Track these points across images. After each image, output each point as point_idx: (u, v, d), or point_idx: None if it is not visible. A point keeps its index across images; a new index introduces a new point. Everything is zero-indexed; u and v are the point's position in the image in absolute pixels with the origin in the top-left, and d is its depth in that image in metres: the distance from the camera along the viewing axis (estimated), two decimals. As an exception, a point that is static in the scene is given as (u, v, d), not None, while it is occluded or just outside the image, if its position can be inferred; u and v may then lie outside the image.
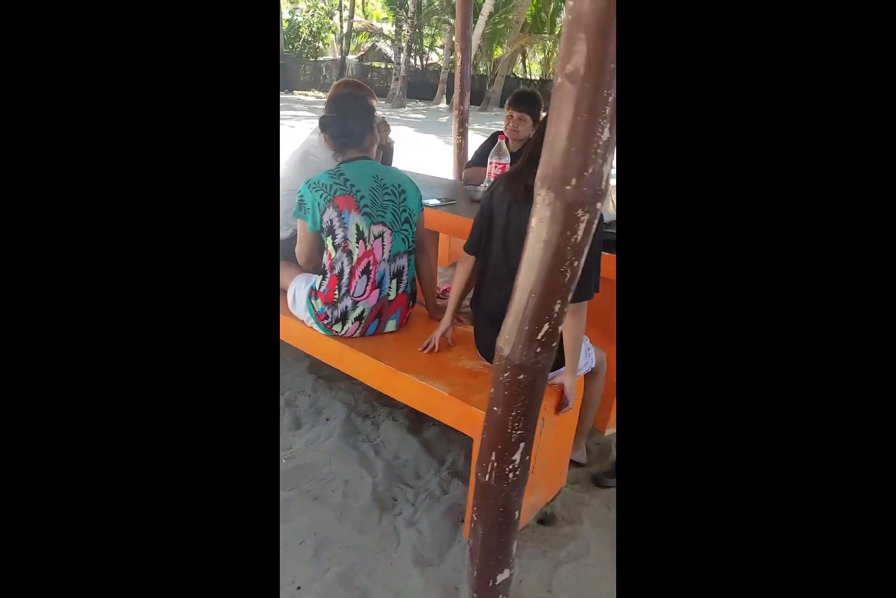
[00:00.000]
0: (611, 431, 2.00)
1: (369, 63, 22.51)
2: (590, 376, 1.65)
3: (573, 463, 1.81)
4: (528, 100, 2.45)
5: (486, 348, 1.54)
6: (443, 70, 18.44)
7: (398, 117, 13.74)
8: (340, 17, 21.89)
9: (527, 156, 1.43)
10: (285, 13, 22.00)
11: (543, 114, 2.53)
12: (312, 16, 22.60)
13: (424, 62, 22.83)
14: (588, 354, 1.57)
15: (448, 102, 17.12)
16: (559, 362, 1.45)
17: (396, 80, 16.66)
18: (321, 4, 22.88)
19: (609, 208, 2.14)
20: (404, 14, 15.83)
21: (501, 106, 19.14)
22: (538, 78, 21.71)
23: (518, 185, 1.42)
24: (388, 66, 20.82)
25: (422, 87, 20.30)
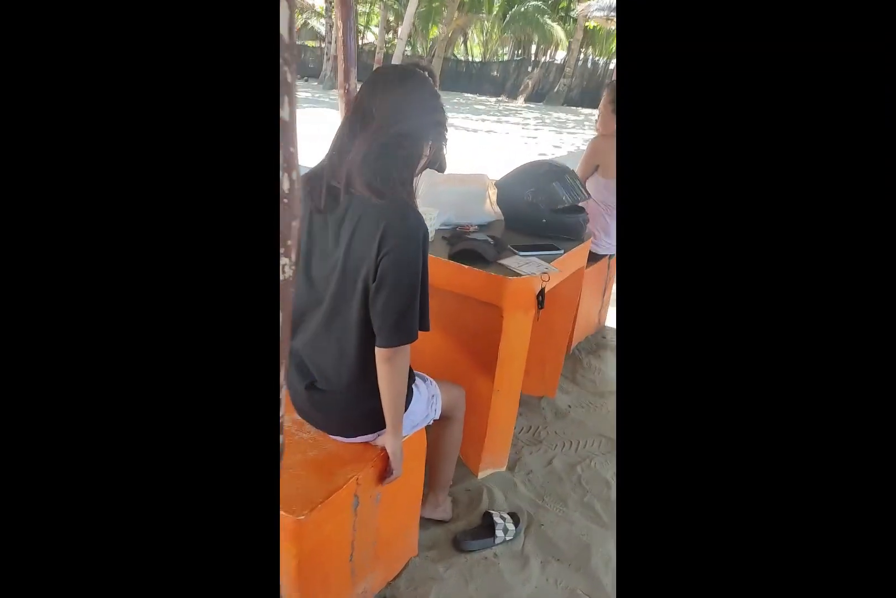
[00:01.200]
0: (485, 473, 1.70)
1: (301, 42, 21.41)
2: (439, 424, 1.33)
3: (433, 522, 1.49)
4: None
5: (294, 399, 1.18)
6: (378, 50, 17.73)
7: (328, 99, 13.04)
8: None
9: (333, 146, 1.06)
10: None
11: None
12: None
13: (360, 42, 21.91)
14: (431, 402, 1.24)
15: (384, 84, 16.42)
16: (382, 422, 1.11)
17: (328, 60, 15.86)
18: (249, -23, 21.49)
19: (486, 207, 1.81)
20: (334, -11, 15.00)
21: (442, 89, 18.63)
22: (480, 60, 21.23)
23: (318, 188, 1.05)
24: (322, 46, 19.86)
25: (358, 66, 19.48)
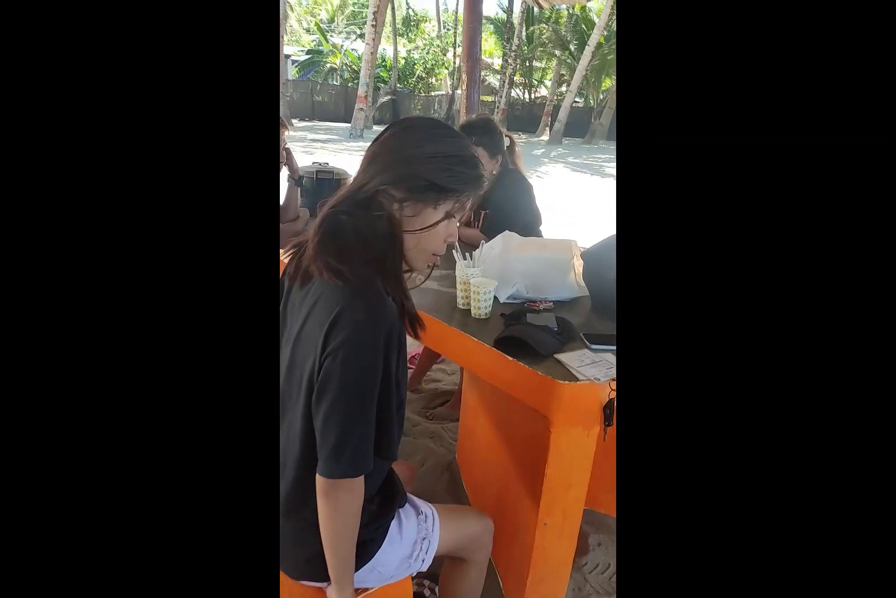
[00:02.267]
0: (527, 625, 1.30)
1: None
2: (452, 567, 1.01)
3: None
4: (471, 128, 1.85)
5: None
6: (548, 102, 18.05)
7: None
8: (454, 53, 22.42)
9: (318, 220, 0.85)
10: (402, 52, 23.02)
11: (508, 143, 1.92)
12: (427, 53, 23.41)
13: (532, 95, 22.60)
14: (417, 549, 0.92)
15: (551, 134, 16.61)
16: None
17: (498, 112, 16.54)
18: (437, 43, 23.68)
19: (569, 280, 1.48)
20: (509, 47, 15.80)
21: (609, 139, 18.24)
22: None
23: (298, 262, 0.85)
24: (495, 99, 20.89)
25: (528, 119, 20.20)
